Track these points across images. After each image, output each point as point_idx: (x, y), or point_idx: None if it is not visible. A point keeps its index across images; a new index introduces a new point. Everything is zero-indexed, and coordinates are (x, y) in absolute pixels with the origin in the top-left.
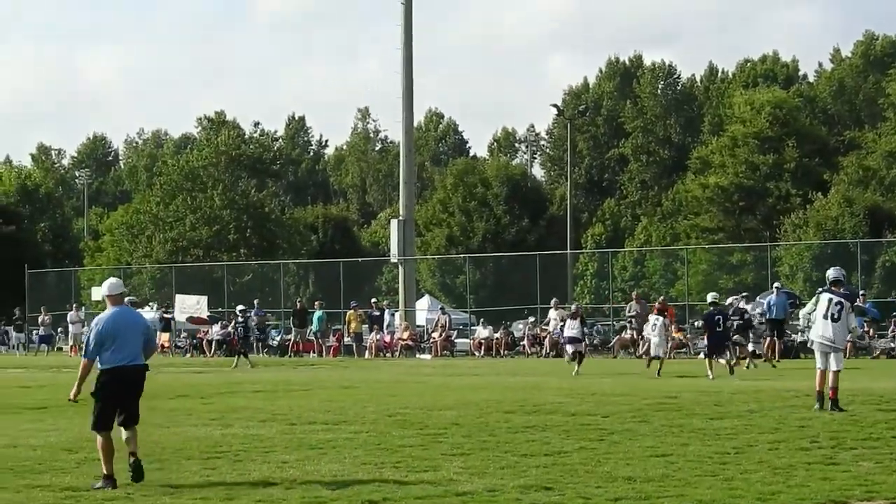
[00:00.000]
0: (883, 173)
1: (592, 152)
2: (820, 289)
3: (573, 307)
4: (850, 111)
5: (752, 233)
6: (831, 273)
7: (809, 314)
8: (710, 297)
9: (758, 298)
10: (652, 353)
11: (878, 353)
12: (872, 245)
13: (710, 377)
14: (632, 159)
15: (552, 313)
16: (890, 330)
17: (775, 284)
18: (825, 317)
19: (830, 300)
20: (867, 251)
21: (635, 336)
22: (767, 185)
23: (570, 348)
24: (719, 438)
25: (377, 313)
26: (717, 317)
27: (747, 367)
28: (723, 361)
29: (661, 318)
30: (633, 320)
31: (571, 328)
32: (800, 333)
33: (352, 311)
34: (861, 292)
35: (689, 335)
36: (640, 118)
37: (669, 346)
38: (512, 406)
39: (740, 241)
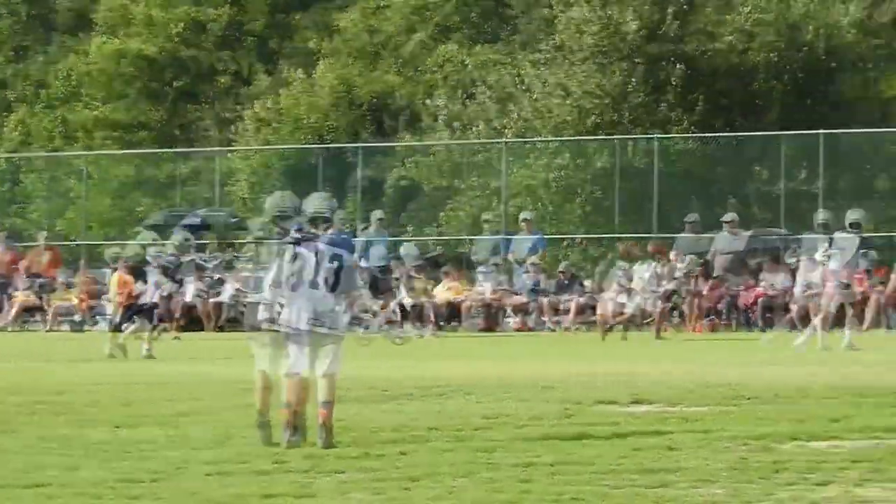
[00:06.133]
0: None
1: None
2: (291, 234)
3: None
4: None
5: (189, 131)
6: (311, 206)
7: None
8: None
9: None
10: None
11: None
12: (381, 152)
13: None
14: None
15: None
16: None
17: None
18: (313, 285)
19: (320, 253)
20: (373, 161)
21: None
22: (220, 56)
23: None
24: (129, 457)
25: None
26: None
27: None
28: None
29: None
30: None
31: None
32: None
33: None
34: (364, 226)
35: None
36: None
37: None
38: None
39: (174, 144)
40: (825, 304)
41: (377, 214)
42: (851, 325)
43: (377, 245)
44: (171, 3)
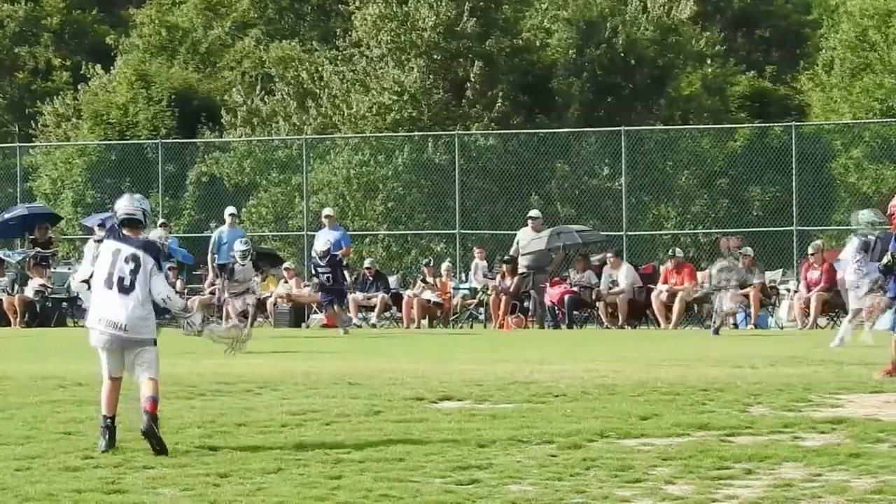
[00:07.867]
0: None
1: None
2: (98, 234)
3: None
4: None
5: None
6: (121, 208)
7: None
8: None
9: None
10: None
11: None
12: (181, 148)
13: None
14: None
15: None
16: (207, 281)
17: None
18: (108, 286)
19: (117, 252)
20: (173, 157)
21: None
22: (18, 52)
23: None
24: None
25: None
26: None
27: None
28: None
29: None
30: None
31: None
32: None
33: None
34: (161, 221)
35: None
36: None
37: None
38: None
39: None
40: (851, 304)
41: (230, 210)
42: (859, 322)
43: (234, 241)
44: None
